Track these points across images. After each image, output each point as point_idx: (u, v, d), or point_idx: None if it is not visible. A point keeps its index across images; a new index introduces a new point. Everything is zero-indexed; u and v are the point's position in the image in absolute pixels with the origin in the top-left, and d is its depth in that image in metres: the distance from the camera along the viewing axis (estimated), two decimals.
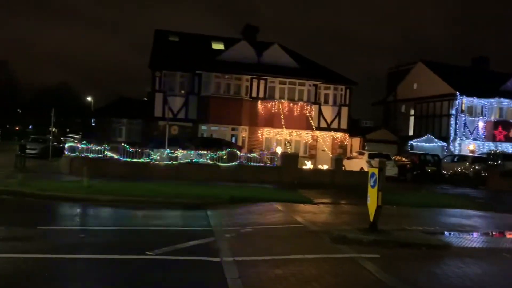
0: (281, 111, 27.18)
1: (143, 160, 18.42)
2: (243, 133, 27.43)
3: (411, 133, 35.94)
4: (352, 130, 30.67)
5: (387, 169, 21.39)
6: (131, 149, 18.41)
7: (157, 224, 9.46)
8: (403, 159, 26.31)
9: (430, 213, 12.67)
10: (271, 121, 27.30)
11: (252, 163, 19.77)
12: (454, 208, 13.87)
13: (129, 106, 30.13)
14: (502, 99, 32.84)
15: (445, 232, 9.71)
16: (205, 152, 19.15)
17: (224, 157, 19.15)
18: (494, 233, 10.26)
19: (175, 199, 12.49)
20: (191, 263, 6.34)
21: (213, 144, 21.42)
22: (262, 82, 27.59)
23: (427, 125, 34.62)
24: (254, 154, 20.72)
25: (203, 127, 26.99)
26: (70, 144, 21.05)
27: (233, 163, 19.05)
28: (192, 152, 19.27)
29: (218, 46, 30.75)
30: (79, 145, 19.35)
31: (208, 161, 19.02)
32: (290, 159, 19.95)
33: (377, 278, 5.64)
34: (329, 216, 11.60)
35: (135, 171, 17.79)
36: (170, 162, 18.61)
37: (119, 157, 18.24)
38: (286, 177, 18.65)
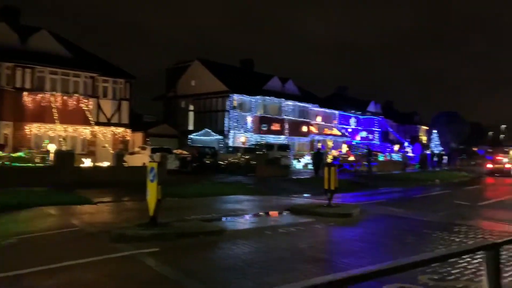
0: (53, 104, 24.60)
1: None
2: (6, 129, 23.73)
3: (191, 127, 37.80)
4: (134, 125, 30.30)
5: (168, 162, 22.19)
6: None
7: None
8: (184, 152, 27.45)
9: (208, 202, 13.58)
10: (42, 115, 24.42)
11: (18, 164, 17.30)
12: (229, 195, 15.27)
13: None
14: (265, 97, 37.82)
15: (221, 218, 10.59)
16: None
17: None
18: (260, 214, 11.72)
19: None
20: None
21: None
22: (28, 71, 24.34)
23: (205, 120, 37.02)
24: (20, 154, 18.16)
25: None
26: None
27: None
28: None
29: None
30: None
31: None
32: (66, 157, 18.29)
33: (156, 272, 5.69)
34: (109, 215, 11.13)
35: None
36: None
37: None
38: (62, 177, 16.98)
